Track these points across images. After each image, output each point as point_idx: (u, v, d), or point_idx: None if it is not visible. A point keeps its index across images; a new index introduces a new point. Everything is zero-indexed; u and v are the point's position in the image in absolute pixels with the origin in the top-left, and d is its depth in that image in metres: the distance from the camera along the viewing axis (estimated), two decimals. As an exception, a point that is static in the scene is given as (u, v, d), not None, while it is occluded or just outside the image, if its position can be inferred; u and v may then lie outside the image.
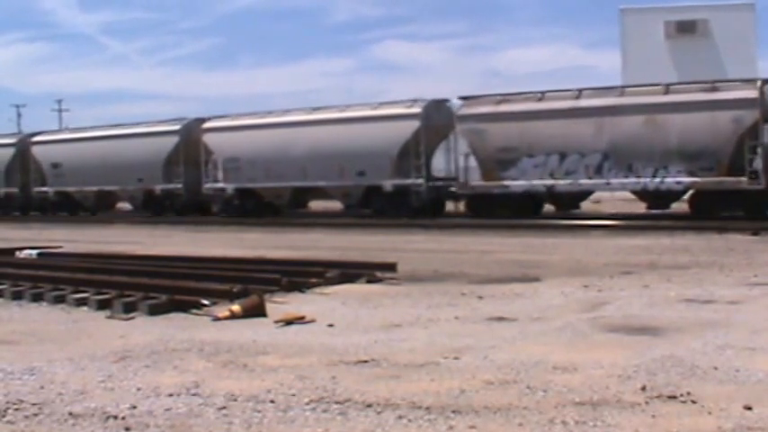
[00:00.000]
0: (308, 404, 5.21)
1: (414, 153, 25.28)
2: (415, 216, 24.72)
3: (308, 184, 27.59)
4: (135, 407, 5.24)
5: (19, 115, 75.13)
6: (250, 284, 9.95)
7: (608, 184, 22.43)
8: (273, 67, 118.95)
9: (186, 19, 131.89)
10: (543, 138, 22.65)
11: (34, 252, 15.72)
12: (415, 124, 25.25)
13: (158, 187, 30.60)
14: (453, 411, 4.96)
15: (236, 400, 5.34)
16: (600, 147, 22.02)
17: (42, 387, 5.82)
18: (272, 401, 5.29)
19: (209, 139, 29.73)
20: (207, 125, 30.08)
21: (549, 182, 22.72)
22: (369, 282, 11.35)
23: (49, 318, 9.24)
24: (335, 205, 28.82)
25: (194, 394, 5.51)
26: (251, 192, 28.74)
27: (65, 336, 8.01)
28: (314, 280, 10.96)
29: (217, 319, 8.60)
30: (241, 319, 8.48)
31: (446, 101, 26.29)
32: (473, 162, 24.16)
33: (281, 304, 9.41)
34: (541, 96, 23.60)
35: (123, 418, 5.01)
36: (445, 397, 5.26)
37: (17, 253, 15.94)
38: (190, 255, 15.12)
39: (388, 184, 25.66)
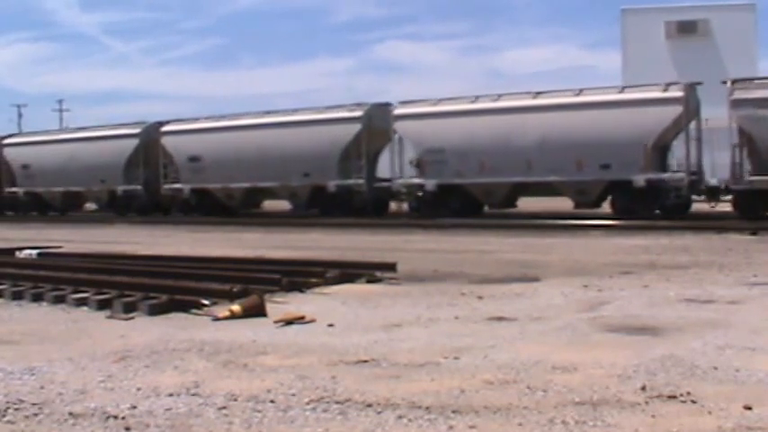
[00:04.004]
0: (308, 404, 5.21)
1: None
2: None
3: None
4: (135, 407, 5.24)
5: (20, 115, 75.24)
6: (250, 284, 9.95)
7: None
8: (275, 68, 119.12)
9: (188, 19, 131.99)
10: None
11: (34, 252, 15.72)
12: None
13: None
14: (453, 411, 4.96)
15: (236, 400, 5.34)
16: None
17: (42, 387, 5.82)
18: (272, 401, 5.29)
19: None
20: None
21: None
22: (369, 282, 11.35)
23: (49, 318, 9.23)
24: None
25: (194, 394, 5.51)
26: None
27: (65, 336, 8.01)
28: (314, 280, 10.96)
29: (217, 319, 8.60)
30: (241, 319, 8.48)
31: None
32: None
33: (280, 304, 9.41)
34: None
35: (123, 418, 5.01)
36: (445, 397, 5.26)
37: (17, 253, 15.93)
38: (190, 255, 15.12)
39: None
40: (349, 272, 11.54)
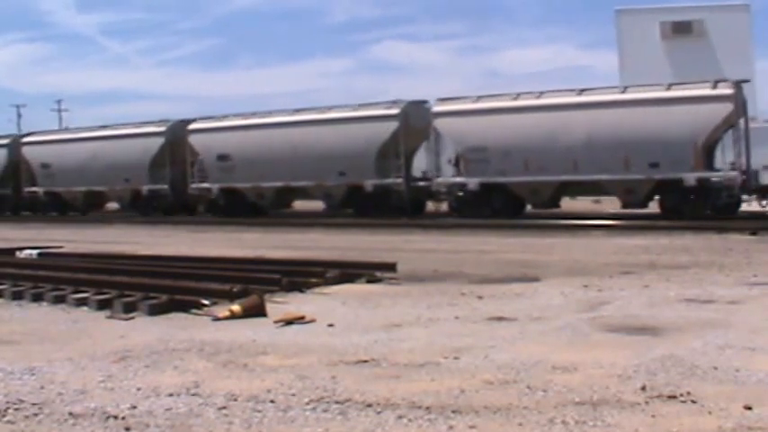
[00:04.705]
0: (308, 404, 5.21)
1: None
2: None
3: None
4: (135, 407, 5.24)
5: (19, 116, 75.12)
6: (250, 284, 9.95)
7: None
8: (273, 68, 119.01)
9: (185, 19, 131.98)
10: None
11: (34, 252, 15.72)
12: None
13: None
14: (453, 411, 4.96)
15: (236, 400, 5.34)
16: None
17: (42, 387, 5.82)
18: (272, 401, 5.29)
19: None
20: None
21: None
22: (369, 282, 11.35)
23: (49, 318, 9.23)
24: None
25: (194, 394, 5.51)
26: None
27: (65, 336, 8.01)
28: (314, 280, 10.96)
29: (217, 319, 8.60)
30: (241, 319, 8.48)
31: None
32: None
33: (281, 304, 9.41)
34: None
35: (123, 418, 5.01)
36: (445, 397, 5.26)
37: (17, 253, 15.94)
38: (190, 255, 15.12)
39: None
40: (349, 272, 11.54)
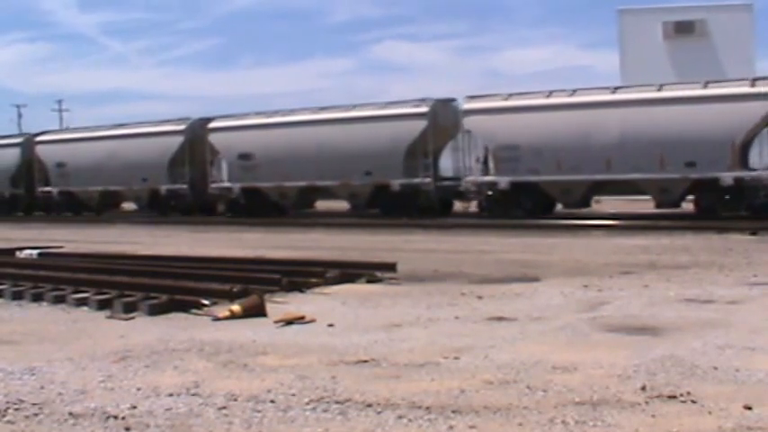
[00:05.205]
0: (308, 404, 5.21)
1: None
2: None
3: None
4: (135, 407, 5.24)
5: (19, 115, 75.14)
6: (250, 284, 9.95)
7: None
8: (273, 68, 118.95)
9: (186, 19, 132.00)
10: None
11: (35, 252, 15.73)
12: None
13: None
14: (453, 411, 4.96)
15: (236, 400, 5.35)
16: None
17: (42, 387, 5.83)
18: (272, 401, 5.29)
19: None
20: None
21: None
22: (369, 282, 11.35)
23: (49, 318, 9.24)
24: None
25: (194, 394, 5.51)
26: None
27: (65, 336, 8.01)
28: (314, 280, 10.96)
29: (217, 319, 8.60)
30: (241, 319, 8.48)
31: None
32: None
33: (281, 304, 9.41)
34: None
35: (123, 418, 5.01)
36: (445, 397, 5.26)
37: (18, 253, 15.94)
38: (190, 255, 15.12)
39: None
40: (349, 272, 11.54)
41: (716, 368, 5.80)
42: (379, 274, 11.64)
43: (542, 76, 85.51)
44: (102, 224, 29.03)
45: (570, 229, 20.01)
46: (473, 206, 25.68)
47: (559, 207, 24.32)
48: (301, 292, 10.49)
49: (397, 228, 22.34)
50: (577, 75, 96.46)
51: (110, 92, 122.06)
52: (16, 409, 5.28)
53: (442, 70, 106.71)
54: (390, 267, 11.75)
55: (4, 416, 5.17)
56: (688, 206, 22.31)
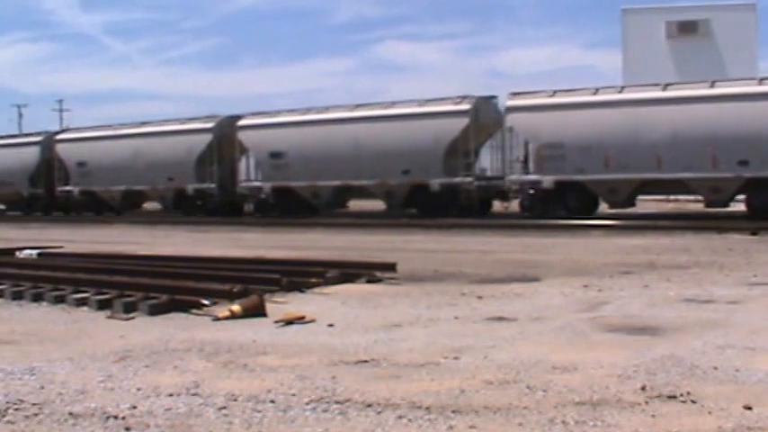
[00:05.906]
0: (307, 404, 5.21)
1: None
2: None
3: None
4: (135, 407, 5.23)
5: (20, 115, 75.30)
6: (250, 284, 9.95)
7: None
8: (275, 68, 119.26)
9: (188, 19, 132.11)
10: None
11: (34, 252, 15.73)
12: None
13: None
14: (453, 411, 4.96)
15: (236, 400, 5.34)
16: None
17: (42, 387, 5.82)
18: (272, 401, 5.29)
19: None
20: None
21: None
22: (369, 282, 11.35)
23: (49, 318, 9.23)
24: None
25: (194, 394, 5.51)
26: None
27: (65, 336, 8.01)
28: (314, 280, 10.96)
29: (217, 319, 8.60)
30: (241, 319, 8.48)
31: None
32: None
33: (281, 304, 9.41)
34: None
35: (123, 418, 5.01)
36: (445, 397, 5.26)
37: (17, 253, 15.94)
38: (190, 255, 15.12)
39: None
40: (349, 272, 11.54)
41: (716, 368, 5.80)
42: (379, 274, 11.64)
43: (545, 76, 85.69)
44: (102, 224, 29.03)
45: (570, 228, 20.03)
46: (513, 206, 25.24)
47: (603, 207, 23.87)
48: (301, 292, 10.49)
49: (397, 228, 22.36)
50: (579, 75, 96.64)
51: (111, 92, 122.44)
52: (16, 409, 5.28)
53: (443, 70, 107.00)
54: (390, 267, 11.75)
55: (4, 416, 5.16)
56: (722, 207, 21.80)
